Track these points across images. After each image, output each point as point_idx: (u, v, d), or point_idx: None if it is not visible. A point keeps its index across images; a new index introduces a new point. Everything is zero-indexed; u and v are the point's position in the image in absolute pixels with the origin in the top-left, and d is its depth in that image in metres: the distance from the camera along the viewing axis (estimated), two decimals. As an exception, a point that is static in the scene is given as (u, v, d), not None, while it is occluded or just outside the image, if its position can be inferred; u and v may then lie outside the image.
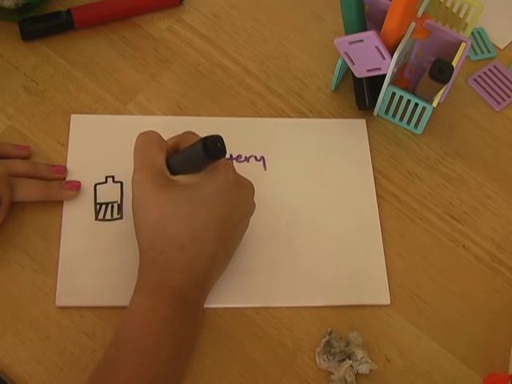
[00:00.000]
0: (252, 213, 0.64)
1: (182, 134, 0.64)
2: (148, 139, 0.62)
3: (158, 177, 0.59)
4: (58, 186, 0.67)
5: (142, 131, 0.62)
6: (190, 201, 0.59)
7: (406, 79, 0.77)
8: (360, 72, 0.71)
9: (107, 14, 0.79)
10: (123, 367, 0.54)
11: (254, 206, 0.64)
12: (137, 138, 0.62)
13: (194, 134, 0.63)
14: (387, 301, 0.65)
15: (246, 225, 0.64)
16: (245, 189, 0.63)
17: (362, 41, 0.68)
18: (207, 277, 0.60)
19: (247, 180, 0.63)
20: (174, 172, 0.60)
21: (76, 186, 0.67)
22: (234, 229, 0.62)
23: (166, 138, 0.71)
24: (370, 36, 0.67)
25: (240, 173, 0.62)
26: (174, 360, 0.57)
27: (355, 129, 0.75)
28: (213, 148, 0.55)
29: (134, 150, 0.62)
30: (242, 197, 0.62)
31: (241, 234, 0.64)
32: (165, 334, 0.56)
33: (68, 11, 0.77)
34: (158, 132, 0.62)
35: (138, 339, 0.55)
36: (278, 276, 0.65)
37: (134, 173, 0.60)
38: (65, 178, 0.69)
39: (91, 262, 0.64)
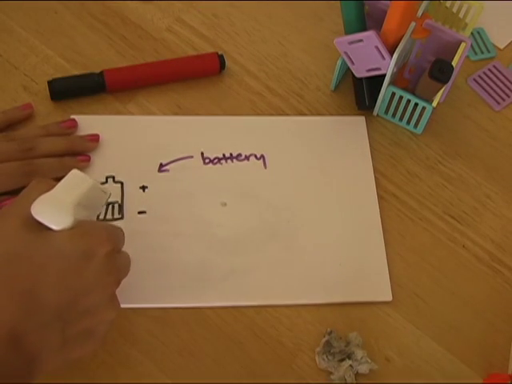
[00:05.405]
0: (110, 321, 0.53)
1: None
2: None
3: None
4: (79, 139, 0.68)
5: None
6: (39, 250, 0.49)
7: (405, 79, 0.77)
8: (360, 72, 0.71)
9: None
10: None
11: (114, 308, 0.53)
12: None
13: None
14: (389, 297, 0.65)
15: (95, 328, 0.52)
16: (110, 275, 0.52)
17: (361, 41, 0.68)
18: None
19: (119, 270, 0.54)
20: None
21: (96, 139, 0.69)
22: (78, 316, 0.50)
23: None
24: (369, 36, 0.67)
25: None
26: None
27: (355, 126, 0.75)
28: None
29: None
30: (103, 282, 0.51)
31: (86, 335, 0.52)
32: None
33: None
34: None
35: None
36: (280, 274, 0.65)
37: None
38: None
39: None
